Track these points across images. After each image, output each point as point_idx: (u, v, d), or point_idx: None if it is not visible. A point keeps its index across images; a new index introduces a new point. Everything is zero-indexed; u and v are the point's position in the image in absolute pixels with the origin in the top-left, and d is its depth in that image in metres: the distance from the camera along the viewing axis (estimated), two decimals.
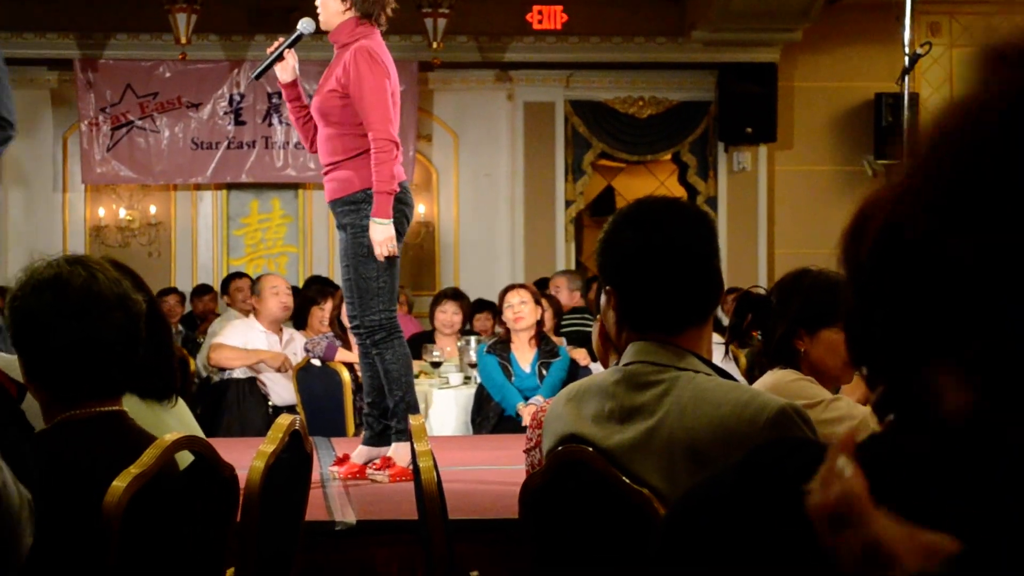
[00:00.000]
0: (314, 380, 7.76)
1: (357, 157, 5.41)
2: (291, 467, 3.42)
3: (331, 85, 5.43)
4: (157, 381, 3.24)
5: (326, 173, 5.53)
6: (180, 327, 11.45)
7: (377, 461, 5.34)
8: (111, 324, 2.80)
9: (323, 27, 5.52)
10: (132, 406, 3.01)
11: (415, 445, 3.42)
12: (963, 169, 1.01)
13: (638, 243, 2.81)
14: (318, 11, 5.48)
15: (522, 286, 7.83)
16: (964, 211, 1.01)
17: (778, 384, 3.62)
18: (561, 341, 7.89)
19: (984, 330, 1.00)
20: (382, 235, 5.28)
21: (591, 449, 2.73)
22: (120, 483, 2.65)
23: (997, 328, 0.99)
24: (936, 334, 1.05)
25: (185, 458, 2.92)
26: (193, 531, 2.91)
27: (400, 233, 5.46)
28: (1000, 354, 0.99)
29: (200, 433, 3.29)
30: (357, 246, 5.40)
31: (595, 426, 2.79)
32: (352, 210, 5.40)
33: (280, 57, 5.51)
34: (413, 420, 3.76)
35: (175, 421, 3.28)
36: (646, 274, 2.80)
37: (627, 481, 2.64)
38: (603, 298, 2.94)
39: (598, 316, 3.06)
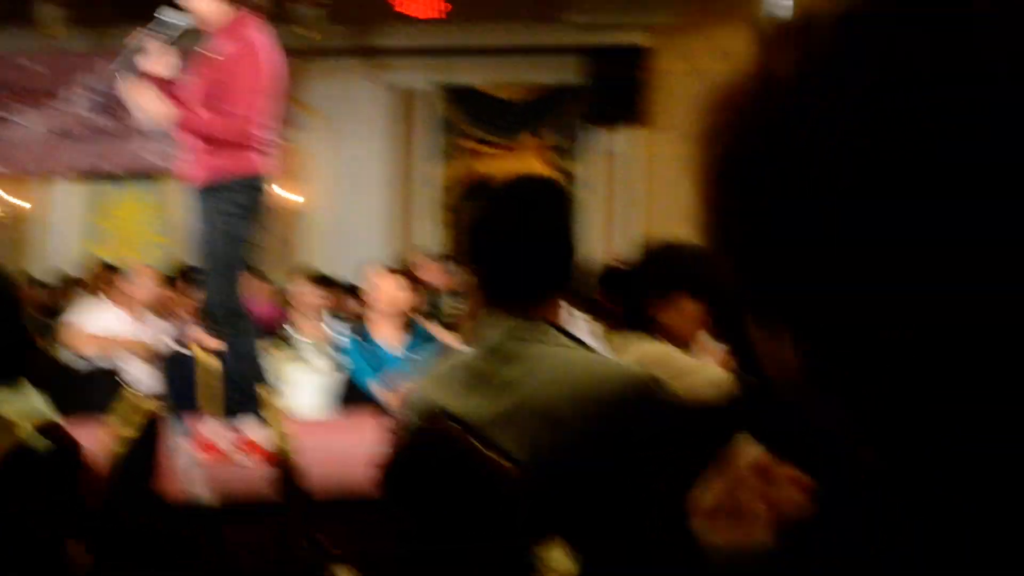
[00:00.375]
0: (175, 366, 7.64)
1: (229, 144, 5.38)
2: (147, 449, 3.36)
3: (211, 72, 5.40)
4: (4, 362, 3.15)
5: (195, 158, 5.49)
6: (46, 318, 11.24)
7: (241, 443, 5.30)
8: None
9: (200, 23, 5.48)
10: None
11: (274, 427, 3.38)
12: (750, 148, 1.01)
13: (493, 219, 2.84)
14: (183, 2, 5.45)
15: (390, 268, 7.79)
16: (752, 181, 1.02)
17: (645, 357, 3.65)
18: (432, 325, 7.85)
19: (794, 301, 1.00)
20: (155, 109, 5.43)
21: (452, 423, 2.72)
22: None
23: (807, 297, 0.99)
24: (756, 302, 1.05)
25: (37, 441, 2.85)
26: (45, 511, 2.84)
27: (257, 219, 5.45)
28: (815, 319, 0.99)
29: (52, 416, 3.21)
30: (221, 232, 5.37)
31: (458, 400, 2.79)
32: (218, 196, 5.38)
33: (144, 47, 5.46)
34: (273, 402, 3.72)
35: (25, 404, 3.20)
36: (503, 249, 2.83)
37: (489, 454, 2.62)
38: (463, 275, 2.94)
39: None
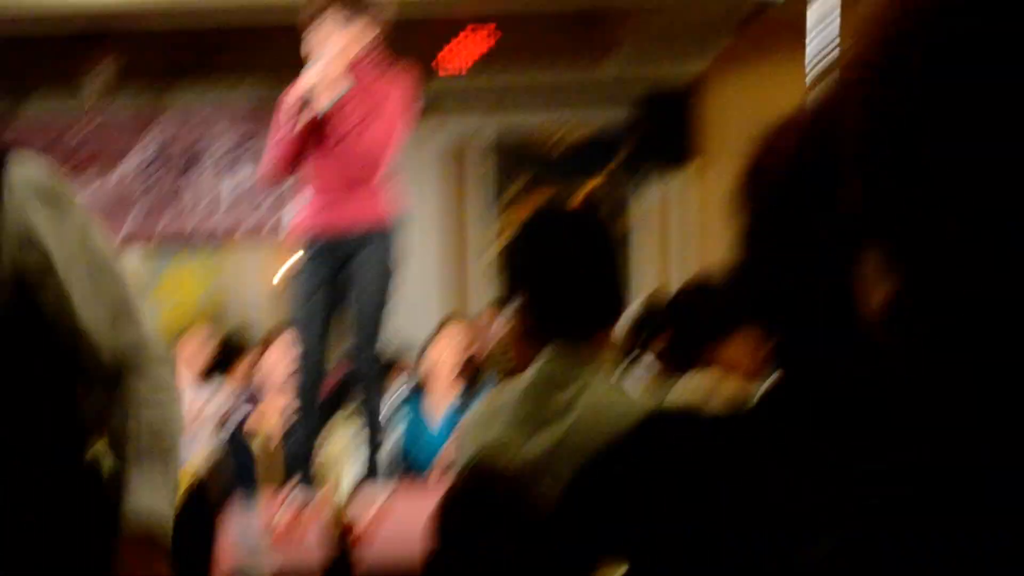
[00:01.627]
0: (236, 443, 7.56)
1: (371, 185, 5.30)
2: (195, 516, 3.31)
3: (383, 114, 5.25)
4: None
5: (336, 199, 5.34)
6: None
7: (309, 514, 5.20)
8: None
9: (341, 61, 5.25)
10: None
11: (322, 493, 3.33)
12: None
13: (545, 249, 2.83)
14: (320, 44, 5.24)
15: (442, 328, 7.60)
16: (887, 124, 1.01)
17: (697, 391, 3.60)
18: (488, 380, 7.69)
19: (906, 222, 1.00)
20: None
21: (495, 464, 2.72)
22: None
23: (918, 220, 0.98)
24: (868, 227, 1.04)
25: None
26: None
27: (399, 268, 5.38)
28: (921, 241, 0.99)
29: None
30: (379, 278, 5.26)
31: (503, 438, 2.78)
32: (378, 236, 5.30)
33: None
34: (322, 472, 3.64)
35: None
36: (552, 280, 2.81)
37: (530, 495, 2.59)
38: (511, 305, 2.93)
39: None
